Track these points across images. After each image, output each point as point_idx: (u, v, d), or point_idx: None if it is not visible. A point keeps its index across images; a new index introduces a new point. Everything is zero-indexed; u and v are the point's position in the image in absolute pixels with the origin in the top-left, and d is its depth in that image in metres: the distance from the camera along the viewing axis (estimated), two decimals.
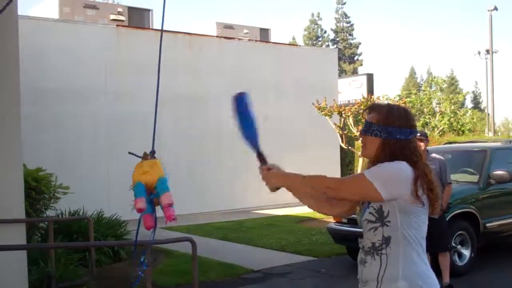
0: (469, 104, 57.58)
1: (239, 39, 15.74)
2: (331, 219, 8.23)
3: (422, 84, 50.17)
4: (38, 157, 9.83)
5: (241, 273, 7.35)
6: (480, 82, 72.10)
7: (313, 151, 15.61)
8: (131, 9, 15.41)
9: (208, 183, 13.97)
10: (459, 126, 25.26)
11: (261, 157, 2.50)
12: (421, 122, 25.46)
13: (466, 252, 7.08)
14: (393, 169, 2.24)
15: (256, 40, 16.43)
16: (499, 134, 36.37)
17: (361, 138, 2.44)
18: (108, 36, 12.82)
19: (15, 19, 5.19)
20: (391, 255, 2.24)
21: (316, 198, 2.45)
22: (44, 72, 11.72)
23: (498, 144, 8.61)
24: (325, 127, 14.34)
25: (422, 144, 5.72)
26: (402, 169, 2.23)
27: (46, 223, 6.70)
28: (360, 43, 53.26)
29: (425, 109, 26.71)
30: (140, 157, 2.46)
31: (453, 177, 6.77)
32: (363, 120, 2.46)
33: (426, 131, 19.95)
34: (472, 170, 7.86)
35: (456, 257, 6.96)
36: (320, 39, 53.03)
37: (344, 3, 52.97)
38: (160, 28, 2.51)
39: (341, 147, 14.83)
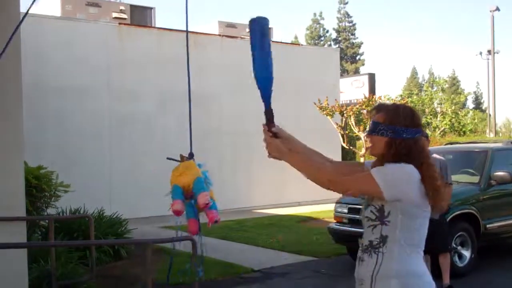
0: (470, 104, 57.53)
1: (242, 38, 15.73)
2: (332, 219, 8.22)
3: (423, 84, 50.19)
4: (39, 155, 9.84)
5: (241, 272, 7.36)
6: (481, 82, 72.43)
7: None
8: (133, 7, 15.39)
9: None
10: (460, 127, 25.27)
11: (268, 114, 2.27)
12: (422, 122, 25.44)
13: (467, 253, 7.08)
14: (400, 172, 2.25)
15: None
16: (500, 135, 36.38)
17: (368, 139, 2.43)
18: (110, 34, 12.80)
19: (17, 17, 5.19)
20: (387, 253, 2.26)
21: (314, 178, 2.37)
22: (46, 69, 11.71)
23: (499, 145, 8.58)
24: (326, 127, 14.33)
25: None
26: (408, 172, 2.24)
27: (46, 221, 6.69)
28: (362, 43, 53.20)
29: (426, 110, 26.71)
30: (178, 161, 2.42)
31: (454, 177, 6.74)
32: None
33: (428, 131, 19.94)
34: (473, 171, 7.85)
35: (456, 258, 6.96)
36: (322, 38, 52.98)
37: (347, 3, 52.89)
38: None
39: (342, 146, 14.83)
